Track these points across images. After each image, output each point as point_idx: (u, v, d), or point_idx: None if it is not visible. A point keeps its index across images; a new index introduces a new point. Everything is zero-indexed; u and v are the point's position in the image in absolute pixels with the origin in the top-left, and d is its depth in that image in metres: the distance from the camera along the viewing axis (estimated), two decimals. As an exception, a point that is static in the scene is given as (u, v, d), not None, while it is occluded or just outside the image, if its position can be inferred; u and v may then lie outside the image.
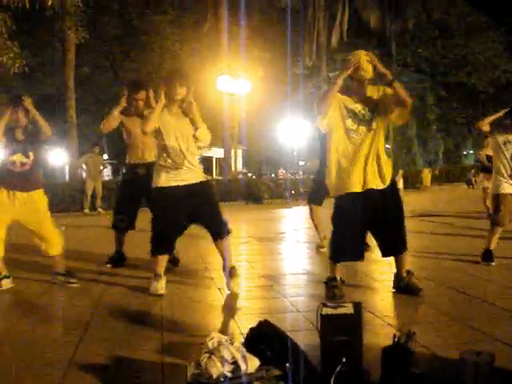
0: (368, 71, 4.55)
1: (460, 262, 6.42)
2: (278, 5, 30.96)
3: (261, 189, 22.14)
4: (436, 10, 36.36)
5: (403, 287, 4.81)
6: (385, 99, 4.64)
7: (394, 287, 4.92)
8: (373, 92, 4.71)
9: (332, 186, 4.80)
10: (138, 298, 4.96)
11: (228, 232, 5.17)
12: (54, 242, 5.58)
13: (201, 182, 5.09)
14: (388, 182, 4.69)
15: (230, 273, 5.08)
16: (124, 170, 6.78)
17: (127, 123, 6.23)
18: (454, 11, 37.16)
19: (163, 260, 5.10)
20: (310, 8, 32.55)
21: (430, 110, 36.47)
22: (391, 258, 4.96)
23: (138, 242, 6.30)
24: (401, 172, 23.12)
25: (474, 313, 4.16)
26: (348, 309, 2.86)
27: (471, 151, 49.36)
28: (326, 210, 6.86)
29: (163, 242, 5.07)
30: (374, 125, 4.64)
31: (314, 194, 7.48)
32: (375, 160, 4.65)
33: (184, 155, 4.95)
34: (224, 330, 3.76)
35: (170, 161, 4.96)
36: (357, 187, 4.60)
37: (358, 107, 4.65)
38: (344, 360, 2.67)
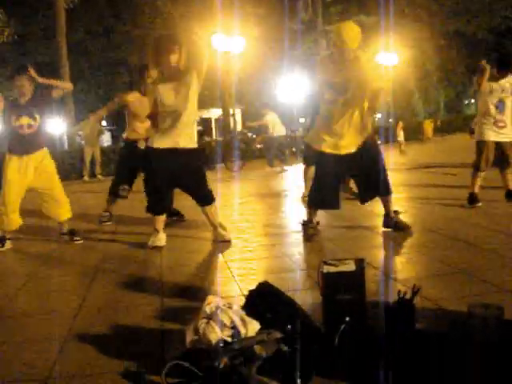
0: (348, 42, 4.85)
1: (465, 212, 6.32)
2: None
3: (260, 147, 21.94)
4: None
5: (392, 226, 5.36)
6: (365, 73, 4.95)
7: (384, 226, 5.44)
8: (356, 61, 4.97)
9: (313, 142, 5.41)
10: (138, 263, 4.89)
11: (212, 200, 5.39)
12: (66, 206, 5.91)
13: (189, 150, 5.17)
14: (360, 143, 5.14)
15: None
16: (123, 145, 7.06)
17: (135, 104, 6.54)
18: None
19: (160, 217, 5.38)
20: (305, -41, 31.84)
21: (429, 60, 35.90)
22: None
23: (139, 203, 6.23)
24: (401, 124, 22.84)
25: (481, 264, 4.06)
26: (350, 266, 2.77)
27: (473, 100, 48.87)
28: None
29: (155, 200, 5.29)
30: (349, 94, 4.94)
31: (306, 154, 8.23)
32: (351, 127, 5.07)
33: (176, 118, 5.03)
34: (224, 293, 3.68)
35: (162, 123, 5.10)
36: (331, 149, 5.13)
37: (336, 79, 4.98)
38: (347, 319, 2.57)
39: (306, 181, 8.16)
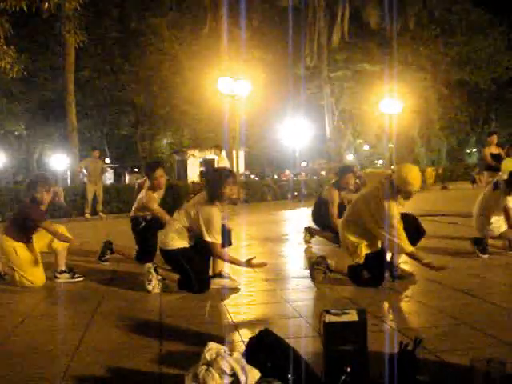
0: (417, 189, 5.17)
1: (467, 263, 6.30)
2: (278, 5, 30.85)
3: (263, 190, 22.06)
4: (437, 8, 36.22)
5: (396, 276, 5.35)
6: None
7: (390, 276, 5.32)
8: None
9: None
10: (137, 304, 4.86)
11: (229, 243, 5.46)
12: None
13: None
14: None
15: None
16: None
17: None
18: (456, 9, 37.01)
19: None
20: (311, 8, 32.44)
21: (432, 108, 36.28)
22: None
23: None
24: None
25: (482, 316, 4.03)
26: (352, 316, 2.75)
27: (474, 149, 49.19)
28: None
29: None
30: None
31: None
32: None
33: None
34: (224, 339, 3.64)
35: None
36: None
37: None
38: (348, 369, 2.55)
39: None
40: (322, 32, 32.76)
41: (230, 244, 5.49)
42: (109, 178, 35.12)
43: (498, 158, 11.09)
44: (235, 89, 19.75)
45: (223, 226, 5.22)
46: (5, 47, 13.82)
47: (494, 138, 11.42)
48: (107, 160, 34.39)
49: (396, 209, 5.04)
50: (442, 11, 36.32)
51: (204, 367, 2.56)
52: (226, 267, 5.47)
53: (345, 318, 2.72)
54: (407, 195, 5.17)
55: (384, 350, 3.19)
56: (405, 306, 4.58)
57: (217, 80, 20.17)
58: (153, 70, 26.37)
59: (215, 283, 5.30)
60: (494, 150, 11.31)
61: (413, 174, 5.04)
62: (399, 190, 5.05)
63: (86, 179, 16.94)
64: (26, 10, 13.50)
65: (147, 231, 6.65)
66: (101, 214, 16.33)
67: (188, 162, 31.93)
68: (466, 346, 3.36)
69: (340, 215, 7.02)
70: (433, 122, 37.48)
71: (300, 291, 5.23)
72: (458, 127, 41.38)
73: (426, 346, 3.17)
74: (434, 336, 3.54)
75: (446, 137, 41.30)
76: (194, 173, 30.33)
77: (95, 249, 7.23)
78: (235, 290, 5.23)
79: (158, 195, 6.80)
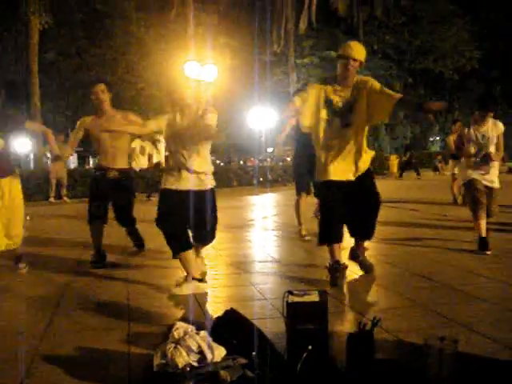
0: (353, 54, 4.67)
1: (425, 249, 6.51)
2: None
3: (230, 176, 22.14)
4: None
5: (358, 263, 5.21)
6: (367, 100, 4.74)
7: (349, 258, 5.23)
8: (358, 84, 4.78)
9: (316, 172, 5.04)
10: (104, 287, 4.93)
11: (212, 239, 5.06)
12: (14, 235, 5.42)
13: (200, 191, 4.69)
14: (359, 173, 4.88)
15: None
16: (94, 171, 6.36)
17: (92, 130, 5.94)
18: (422, -1, 37.45)
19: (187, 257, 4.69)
20: (278, -6, 32.47)
21: (396, 96, 36.68)
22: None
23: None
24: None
25: (437, 298, 4.21)
26: (314, 297, 2.88)
27: (437, 137, 49.93)
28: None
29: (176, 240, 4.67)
30: (350, 119, 4.78)
31: (301, 184, 7.58)
32: (350, 154, 4.84)
33: (185, 158, 4.64)
34: (190, 319, 3.75)
35: (172, 164, 4.76)
36: (330, 176, 4.81)
37: (335, 98, 4.78)
38: (310, 348, 2.68)
39: (299, 216, 7.60)
40: (289, 18, 32.78)
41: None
42: (73, 162, 34.70)
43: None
44: (202, 74, 19.72)
45: None
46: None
47: (459, 126, 11.68)
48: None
49: None
50: (408, 0, 36.65)
51: (172, 345, 2.67)
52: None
53: (307, 299, 2.85)
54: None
55: (344, 329, 3.34)
56: (365, 288, 4.74)
57: (183, 64, 20.10)
58: (119, 53, 26.09)
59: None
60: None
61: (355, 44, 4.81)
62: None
63: (49, 163, 16.79)
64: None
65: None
66: (65, 198, 16.23)
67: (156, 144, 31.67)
68: (422, 326, 3.53)
69: None
70: (397, 110, 37.90)
71: (265, 274, 5.36)
72: (422, 115, 41.91)
73: (384, 327, 3.32)
74: (391, 317, 3.70)
75: (410, 125, 41.84)
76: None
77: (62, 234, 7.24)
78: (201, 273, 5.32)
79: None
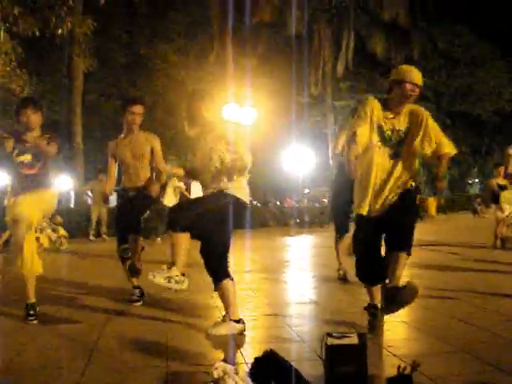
0: (419, 80, 4.43)
1: (466, 294, 6.41)
2: (283, 33, 31.24)
3: (266, 216, 22.21)
4: (440, 41, 36.67)
5: (390, 294, 4.35)
6: (421, 133, 4.42)
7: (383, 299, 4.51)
8: (411, 113, 4.50)
9: (356, 202, 4.57)
10: (142, 325, 4.97)
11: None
12: (29, 259, 5.04)
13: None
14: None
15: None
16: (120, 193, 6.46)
17: (118, 151, 6.02)
18: (459, 42, 37.53)
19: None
20: (316, 36, 32.84)
21: (434, 139, 36.55)
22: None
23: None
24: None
25: (479, 344, 4.14)
26: (353, 339, 2.88)
27: (476, 180, 49.42)
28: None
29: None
30: (400, 150, 4.42)
31: (341, 224, 7.44)
32: (396, 187, 4.40)
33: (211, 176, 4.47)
34: (229, 360, 3.76)
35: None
36: (372, 213, 4.43)
37: (386, 125, 4.42)
38: (349, 391, 2.67)
39: (338, 255, 7.46)
40: (326, 61, 33.10)
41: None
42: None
43: (503, 189, 11.33)
44: (241, 116, 19.99)
45: None
46: (17, 70, 14.09)
47: (502, 170, 11.58)
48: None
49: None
50: (445, 43, 36.75)
51: (211, 385, 2.69)
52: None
53: (346, 341, 2.85)
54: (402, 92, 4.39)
55: (382, 373, 3.30)
56: (403, 331, 4.69)
57: (222, 106, 20.43)
58: (159, 95, 26.67)
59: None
60: (501, 181, 11.47)
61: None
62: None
63: (90, 201, 17.10)
64: (38, 34, 13.77)
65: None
66: (104, 235, 16.46)
67: (192, 186, 32.01)
68: (464, 372, 3.47)
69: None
70: (435, 152, 37.65)
71: (302, 316, 5.34)
72: (461, 157, 41.62)
73: (424, 372, 3.28)
74: (431, 361, 3.65)
75: (449, 167, 41.53)
76: (198, 195, 30.38)
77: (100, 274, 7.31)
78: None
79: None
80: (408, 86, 4.35)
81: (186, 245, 4.36)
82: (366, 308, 4.68)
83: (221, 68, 26.32)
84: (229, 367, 2.84)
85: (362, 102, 4.46)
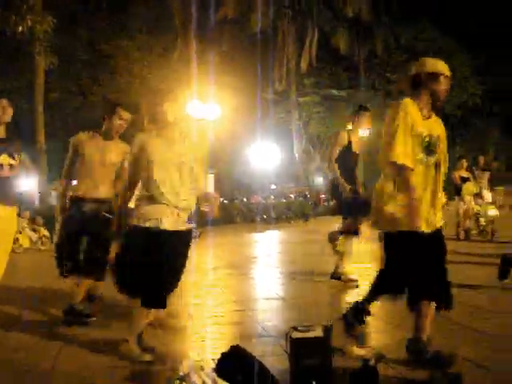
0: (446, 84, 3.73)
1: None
2: (248, 30, 31.22)
3: (233, 213, 22.19)
4: (404, 35, 37.01)
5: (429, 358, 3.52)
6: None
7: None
8: (438, 121, 3.89)
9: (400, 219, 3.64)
10: (110, 325, 4.92)
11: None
12: None
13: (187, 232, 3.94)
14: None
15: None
16: (69, 204, 5.08)
17: (87, 146, 5.02)
18: (422, 36, 37.88)
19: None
20: (280, 33, 32.88)
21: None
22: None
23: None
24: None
25: (443, 334, 4.20)
26: (317, 332, 2.90)
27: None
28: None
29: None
30: (437, 156, 3.76)
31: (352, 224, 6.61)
32: (437, 197, 3.75)
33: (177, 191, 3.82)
34: (195, 356, 3.76)
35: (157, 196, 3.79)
36: (422, 227, 3.61)
37: (424, 131, 3.67)
38: (314, 383, 2.70)
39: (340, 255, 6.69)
40: (290, 57, 33.18)
41: None
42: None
43: (466, 182, 11.56)
44: (204, 112, 19.96)
45: None
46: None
47: (464, 162, 11.77)
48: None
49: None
50: (409, 39, 37.12)
51: (178, 382, 2.69)
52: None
53: (310, 334, 2.87)
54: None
55: (348, 365, 3.34)
56: (370, 323, 4.74)
57: (186, 103, 20.35)
58: (122, 92, 26.41)
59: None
60: (464, 173, 11.65)
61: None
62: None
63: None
64: (-3, 32, 13.53)
65: None
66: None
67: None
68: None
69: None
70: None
71: (269, 312, 5.37)
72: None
73: (388, 363, 3.33)
74: (397, 352, 3.69)
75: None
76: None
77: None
78: (207, 308, 5.32)
79: None
80: (447, 81, 3.73)
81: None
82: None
83: (184, 65, 26.16)
84: (195, 364, 2.84)
85: (399, 109, 3.61)
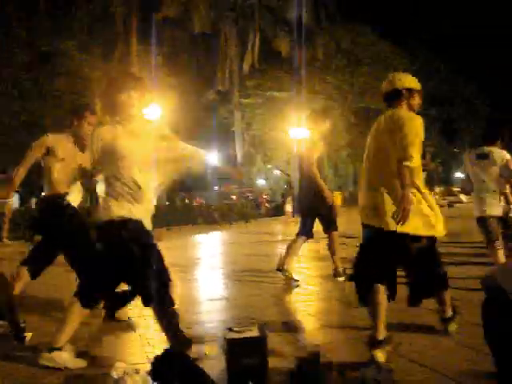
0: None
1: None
2: (190, 31, 31.08)
3: (176, 214, 22.07)
4: (343, 40, 37.64)
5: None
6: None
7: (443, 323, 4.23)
8: None
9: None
10: (45, 329, 4.81)
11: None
12: None
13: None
14: None
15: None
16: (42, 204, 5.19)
17: (60, 145, 4.93)
18: (361, 41, 38.60)
19: None
20: (222, 35, 32.94)
21: (340, 136, 37.47)
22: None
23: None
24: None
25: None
26: (253, 332, 2.90)
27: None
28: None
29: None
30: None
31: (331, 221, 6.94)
32: None
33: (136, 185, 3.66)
34: (131, 359, 3.70)
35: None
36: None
37: None
38: (250, 383, 2.70)
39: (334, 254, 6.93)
40: (233, 59, 33.28)
41: None
42: (13, 202, 33.82)
43: None
44: (146, 112, 19.76)
45: None
46: None
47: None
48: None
49: None
50: (347, 43, 37.75)
51: (111, 386, 2.64)
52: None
53: (246, 335, 2.87)
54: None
55: (285, 364, 3.35)
56: (308, 319, 4.78)
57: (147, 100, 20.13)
58: (62, 93, 25.90)
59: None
60: None
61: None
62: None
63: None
64: None
65: None
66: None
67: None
68: (366, 358, 3.57)
69: None
70: (341, 149, 38.64)
71: (210, 313, 5.35)
72: (363, 152, 42.82)
73: (326, 361, 3.35)
74: (334, 350, 3.74)
75: (353, 162, 42.70)
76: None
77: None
78: (145, 311, 5.24)
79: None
80: (420, 96, 4.15)
81: None
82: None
83: (126, 66, 25.86)
84: (129, 367, 2.80)
85: (419, 122, 3.83)
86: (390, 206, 3.69)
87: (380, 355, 3.35)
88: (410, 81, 4.12)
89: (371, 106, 38.01)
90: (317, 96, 33.77)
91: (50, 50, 26.30)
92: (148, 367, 3.29)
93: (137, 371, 2.75)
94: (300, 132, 25.46)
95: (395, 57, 39.98)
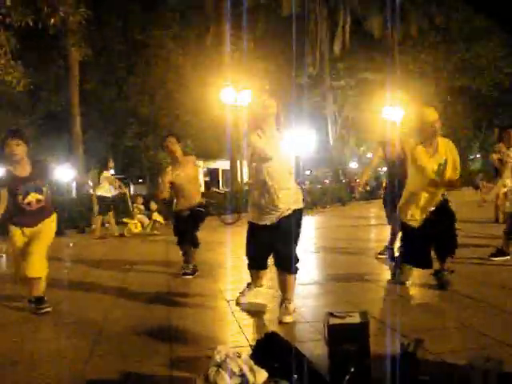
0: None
1: (469, 268, 6.39)
2: (280, 14, 30.97)
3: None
4: (438, 16, 36.33)
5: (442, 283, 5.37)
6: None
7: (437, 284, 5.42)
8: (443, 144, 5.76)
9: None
10: (146, 311, 4.97)
11: (294, 271, 4.57)
12: (36, 266, 5.03)
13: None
14: None
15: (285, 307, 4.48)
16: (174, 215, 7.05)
17: (174, 177, 6.70)
18: (457, 16, 37.18)
19: (255, 273, 4.94)
20: (312, 17, 32.60)
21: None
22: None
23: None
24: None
25: (482, 319, 4.13)
26: (355, 318, 2.87)
27: (478, 155, 49.24)
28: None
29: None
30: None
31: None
32: None
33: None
34: (232, 342, 3.76)
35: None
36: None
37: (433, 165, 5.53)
38: (352, 369, 2.66)
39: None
40: (323, 41, 32.89)
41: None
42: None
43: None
44: (238, 99, 19.90)
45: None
46: (12, 62, 13.95)
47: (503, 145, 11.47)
48: (111, 171, 34.37)
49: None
50: (442, 18, 36.41)
51: (214, 369, 2.68)
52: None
53: (348, 320, 2.84)
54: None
55: (386, 351, 3.30)
56: (407, 309, 4.68)
57: (220, 90, 20.34)
58: (158, 82, 26.54)
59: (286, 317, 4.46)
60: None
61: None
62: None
63: (91, 191, 16.99)
64: (31, 24, 13.62)
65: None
66: (107, 224, 16.39)
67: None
68: (466, 347, 3.47)
69: None
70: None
71: (305, 297, 5.34)
72: (461, 133, 41.44)
73: (427, 348, 3.27)
74: (435, 338, 3.64)
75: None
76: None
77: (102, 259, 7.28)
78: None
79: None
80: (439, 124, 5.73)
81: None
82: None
83: (218, 52, 26.13)
84: (231, 350, 2.83)
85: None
86: None
87: None
88: (430, 115, 5.73)
89: (469, 84, 36.67)
90: (410, 75, 32.89)
91: (144, 39, 26.94)
92: (248, 350, 3.34)
93: (238, 355, 2.78)
94: (393, 113, 24.90)
95: (492, 33, 38.23)
